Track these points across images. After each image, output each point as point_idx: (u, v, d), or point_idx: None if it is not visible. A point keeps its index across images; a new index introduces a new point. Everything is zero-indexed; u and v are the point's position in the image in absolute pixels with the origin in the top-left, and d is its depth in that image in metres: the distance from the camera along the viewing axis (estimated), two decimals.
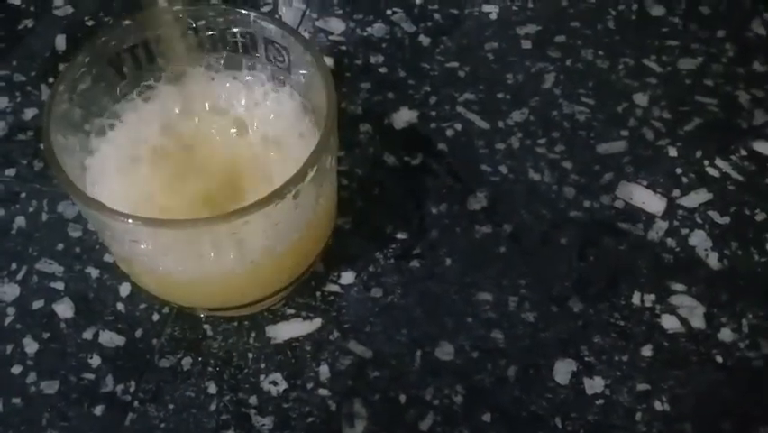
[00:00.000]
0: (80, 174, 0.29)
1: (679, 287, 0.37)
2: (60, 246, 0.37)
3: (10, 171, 0.40)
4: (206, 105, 0.32)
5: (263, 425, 0.32)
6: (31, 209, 0.39)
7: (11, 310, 0.35)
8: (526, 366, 0.34)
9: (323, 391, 0.34)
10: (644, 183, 0.40)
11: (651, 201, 0.40)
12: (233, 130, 0.32)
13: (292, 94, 0.32)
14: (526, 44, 0.47)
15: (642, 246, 0.38)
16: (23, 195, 0.39)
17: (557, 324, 0.36)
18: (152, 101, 0.32)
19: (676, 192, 0.40)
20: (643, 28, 0.48)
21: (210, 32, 0.31)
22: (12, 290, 0.36)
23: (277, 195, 0.25)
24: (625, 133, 0.43)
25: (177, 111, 0.32)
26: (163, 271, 0.28)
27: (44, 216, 0.39)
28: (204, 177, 0.30)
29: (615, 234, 0.39)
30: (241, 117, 0.32)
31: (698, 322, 0.36)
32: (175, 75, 0.31)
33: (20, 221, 0.38)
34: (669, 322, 0.36)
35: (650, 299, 0.36)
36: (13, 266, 0.37)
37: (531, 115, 0.43)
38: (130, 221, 0.25)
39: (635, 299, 0.36)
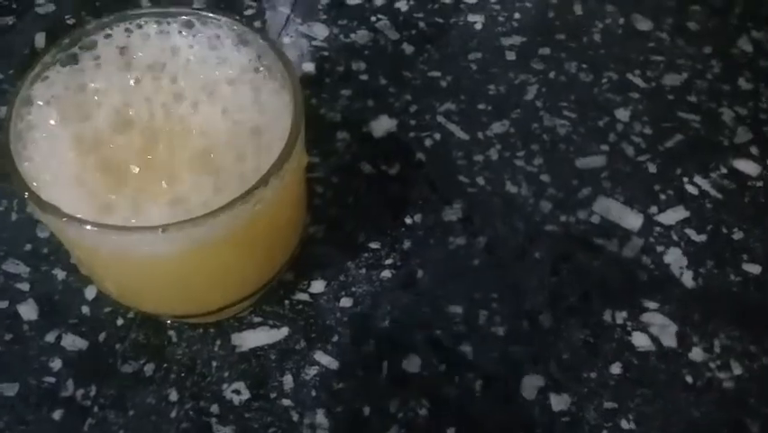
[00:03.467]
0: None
1: (651, 305, 0.36)
2: (28, 247, 0.37)
3: None
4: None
5: None
6: (1, 208, 0.38)
7: None
8: (493, 380, 0.34)
9: (286, 402, 0.33)
10: (622, 199, 0.40)
11: (627, 217, 0.39)
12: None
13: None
14: (510, 55, 0.47)
15: (616, 262, 0.38)
16: None
17: (527, 338, 0.35)
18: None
19: (653, 209, 0.40)
20: (629, 42, 0.48)
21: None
22: None
23: (240, 199, 0.25)
24: (605, 147, 0.42)
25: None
26: (122, 276, 0.28)
27: (13, 216, 0.38)
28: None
29: (590, 249, 0.38)
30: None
31: (669, 341, 0.35)
32: None
33: None
34: (640, 340, 0.35)
35: (622, 316, 0.36)
36: None
37: (511, 127, 0.43)
38: (88, 227, 0.24)
39: (607, 315, 0.36)
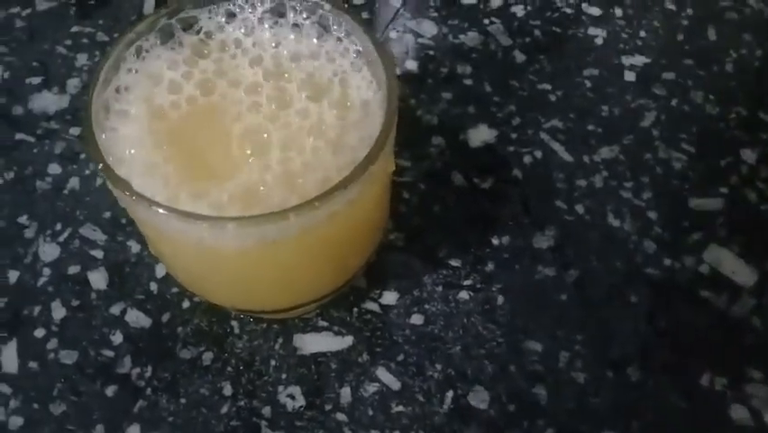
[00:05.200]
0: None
1: (756, 374, 0.32)
2: (107, 214, 0.37)
3: (75, 130, 0.40)
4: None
5: None
6: (87, 172, 0.38)
7: (46, 271, 0.35)
8: (566, 432, 0.31)
9: (340, 416, 0.31)
10: (737, 250, 0.36)
11: (742, 272, 0.35)
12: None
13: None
14: (630, 76, 0.43)
15: (722, 321, 0.34)
16: (83, 156, 0.39)
17: (610, 391, 0.32)
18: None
19: None
20: (764, 76, 0.43)
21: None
22: (51, 251, 0.35)
23: (315, 201, 0.23)
24: (724, 190, 0.38)
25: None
26: (187, 263, 0.27)
27: (98, 181, 0.38)
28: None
29: (694, 301, 0.34)
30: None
31: None
32: None
33: (74, 182, 0.38)
34: (738, 412, 0.32)
35: (721, 382, 0.32)
36: (58, 227, 0.36)
37: (621, 154, 0.39)
38: (156, 209, 0.23)
39: (704, 379, 0.32)
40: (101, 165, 0.24)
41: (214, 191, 0.25)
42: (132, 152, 0.26)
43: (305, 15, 0.29)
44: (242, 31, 0.29)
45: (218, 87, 0.28)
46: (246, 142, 0.26)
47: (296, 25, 0.29)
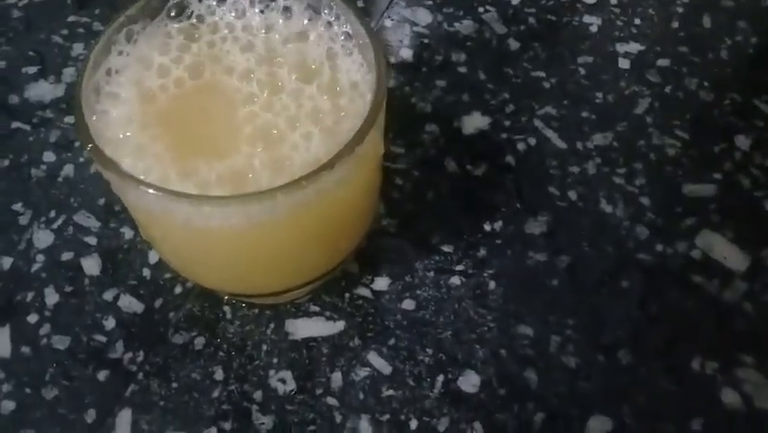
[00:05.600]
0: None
1: (748, 359, 0.32)
2: (101, 201, 0.37)
3: (69, 119, 0.40)
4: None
5: (262, 424, 0.31)
6: (81, 160, 0.38)
7: (40, 258, 0.35)
8: (556, 416, 0.31)
9: (331, 400, 0.31)
10: (730, 236, 0.36)
11: (734, 257, 0.35)
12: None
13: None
14: (624, 63, 0.43)
15: (714, 306, 0.34)
16: (77, 144, 0.39)
17: (601, 375, 0.32)
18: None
19: (765, 252, 0.35)
20: (759, 64, 0.43)
21: None
22: (45, 237, 0.36)
23: (302, 181, 0.23)
24: (718, 176, 0.38)
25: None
26: (178, 245, 0.27)
27: (92, 169, 0.38)
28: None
29: (685, 286, 0.34)
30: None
31: (763, 402, 0.31)
32: None
33: (68, 170, 0.38)
34: (729, 397, 0.32)
35: (712, 366, 0.32)
36: (53, 213, 0.36)
37: (615, 141, 0.39)
38: (151, 191, 0.23)
39: (695, 363, 0.32)
40: (90, 146, 0.24)
41: (204, 172, 0.25)
42: (124, 134, 0.26)
43: (295, 3, 0.29)
44: (233, 15, 0.30)
45: (209, 71, 0.28)
46: (237, 125, 0.27)
47: (286, 8, 0.29)
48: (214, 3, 0.30)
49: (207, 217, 0.24)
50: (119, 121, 0.26)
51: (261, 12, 0.30)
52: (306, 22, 0.29)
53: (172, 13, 0.29)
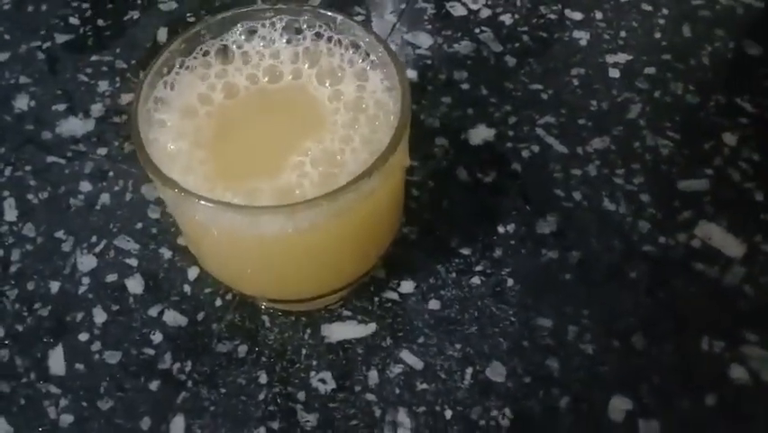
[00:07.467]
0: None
1: (752, 337, 0.35)
2: (139, 225, 0.39)
3: (102, 150, 0.43)
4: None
5: (307, 421, 0.33)
6: (116, 188, 0.41)
7: (85, 280, 0.37)
8: (579, 399, 0.33)
9: (369, 396, 0.34)
10: (725, 225, 0.39)
11: (730, 245, 0.38)
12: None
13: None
14: (614, 73, 0.46)
15: (716, 290, 0.37)
16: (111, 174, 0.41)
17: (617, 359, 0.35)
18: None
19: (758, 237, 0.38)
20: (738, 67, 0.46)
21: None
22: (89, 262, 0.38)
23: (345, 189, 0.26)
24: (709, 171, 0.41)
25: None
26: (223, 253, 0.29)
27: (128, 196, 0.41)
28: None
29: (688, 274, 0.37)
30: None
31: None
32: None
33: (105, 198, 0.40)
34: (737, 372, 0.34)
35: (719, 345, 0.35)
36: (94, 239, 0.39)
37: (612, 144, 0.42)
38: (202, 202, 0.26)
39: (704, 343, 0.35)
40: (151, 168, 0.26)
41: (250, 188, 0.28)
42: (172, 155, 0.29)
43: (322, 28, 0.32)
44: (262, 45, 0.32)
45: (248, 96, 0.31)
46: (278, 146, 0.29)
47: (317, 35, 0.32)
48: (244, 37, 0.32)
49: (260, 226, 0.26)
50: (168, 145, 0.29)
51: (288, 42, 0.33)
52: (333, 48, 0.32)
53: (211, 46, 0.32)
